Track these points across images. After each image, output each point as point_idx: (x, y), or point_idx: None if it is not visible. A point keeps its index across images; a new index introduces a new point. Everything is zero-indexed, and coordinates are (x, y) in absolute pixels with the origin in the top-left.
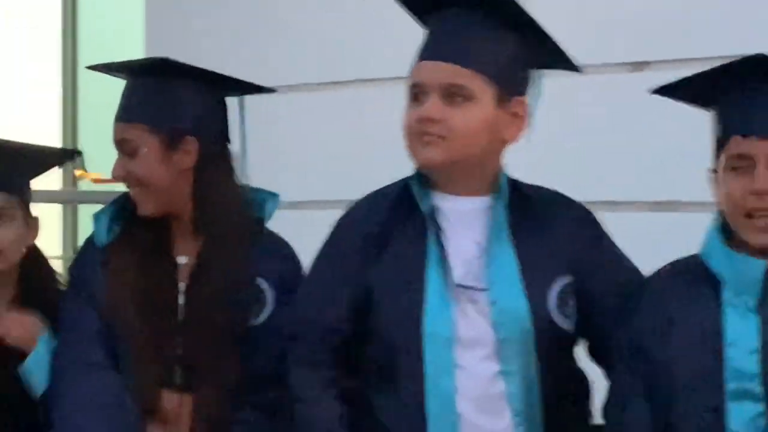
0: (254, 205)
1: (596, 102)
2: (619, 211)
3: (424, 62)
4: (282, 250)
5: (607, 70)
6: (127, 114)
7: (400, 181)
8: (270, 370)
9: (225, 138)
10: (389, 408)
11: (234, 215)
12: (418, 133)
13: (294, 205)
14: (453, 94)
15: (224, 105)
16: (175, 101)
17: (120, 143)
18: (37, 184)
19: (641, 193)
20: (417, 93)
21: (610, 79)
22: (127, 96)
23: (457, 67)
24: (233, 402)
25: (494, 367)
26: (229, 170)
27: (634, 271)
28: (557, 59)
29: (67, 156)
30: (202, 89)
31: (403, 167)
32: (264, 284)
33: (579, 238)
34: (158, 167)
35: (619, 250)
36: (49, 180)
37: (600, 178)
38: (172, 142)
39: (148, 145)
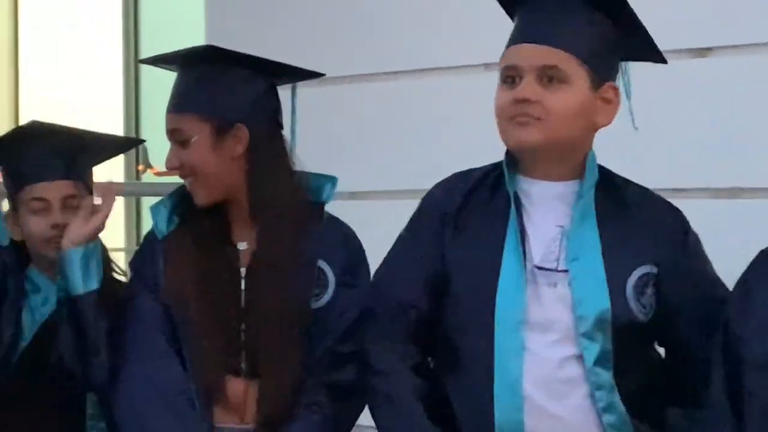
0: (312, 189)
1: (659, 88)
2: (682, 198)
3: (519, 45)
4: (343, 232)
5: (670, 56)
6: (177, 104)
7: (482, 166)
8: (333, 352)
9: (276, 124)
10: (457, 388)
11: (288, 199)
12: (513, 115)
13: (355, 196)
14: (548, 77)
15: (275, 91)
16: (224, 89)
17: (172, 133)
18: (101, 177)
19: (704, 179)
20: (511, 75)
21: (672, 65)
22: (177, 86)
23: (553, 50)
24: (297, 386)
25: (566, 351)
26: (282, 156)
27: (719, 282)
28: (646, 49)
29: (131, 144)
30: (251, 76)
31: (468, 156)
32: (325, 266)
33: (666, 235)
34: (210, 155)
35: (706, 257)
36: (112, 174)
37: (662, 164)
38: (222, 130)
39: (199, 133)
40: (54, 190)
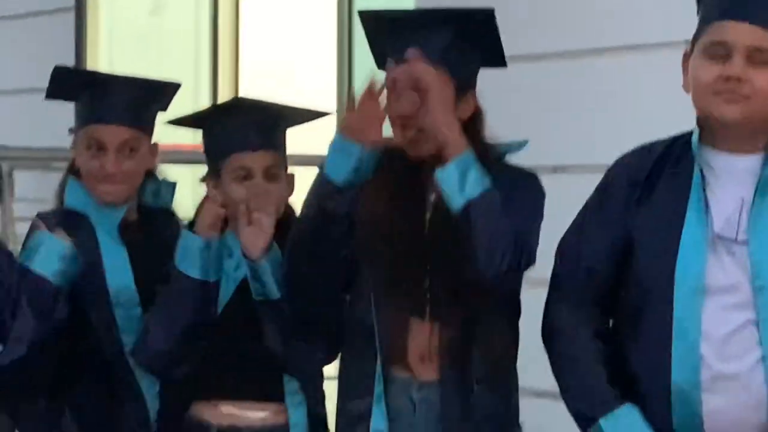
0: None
1: None
2: None
3: (729, 21)
4: (522, 180)
5: None
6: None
7: (666, 138)
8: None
9: None
10: (637, 349)
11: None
12: (719, 91)
13: (558, 169)
14: (757, 57)
15: None
16: (462, 55)
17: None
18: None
19: None
20: (719, 51)
21: None
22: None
23: (765, 32)
24: (476, 331)
25: (742, 316)
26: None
27: None
28: None
29: (320, 115)
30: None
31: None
32: None
33: None
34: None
35: None
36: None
37: None
38: (460, 91)
39: (448, 89)
40: (257, 159)
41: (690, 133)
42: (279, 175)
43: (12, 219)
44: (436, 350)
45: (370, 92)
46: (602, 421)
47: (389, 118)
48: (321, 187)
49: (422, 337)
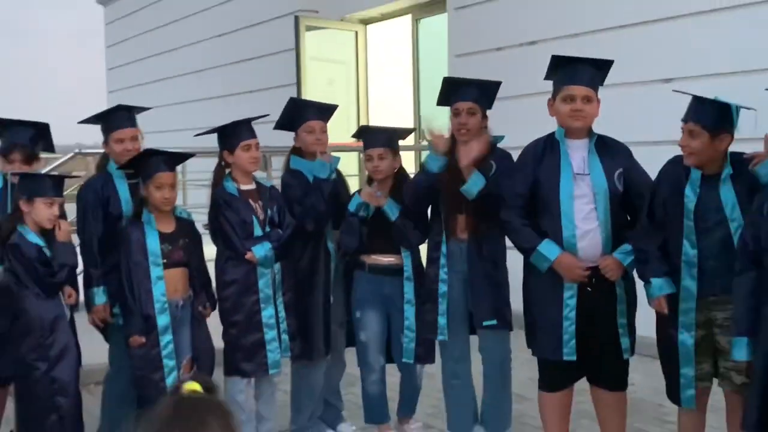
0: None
1: None
2: None
3: (573, 86)
4: (506, 158)
5: None
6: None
7: (545, 136)
8: None
9: None
10: (544, 225)
11: None
12: (571, 116)
13: None
14: (586, 99)
15: None
16: (490, 100)
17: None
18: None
19: None
20: (568, 98)
21: None
22: None
23: None
24: (483, 222)
25: (590, 206)
26: None
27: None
28: None
29: (409, 132)
30: None
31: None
32: None
33: (625, 154)
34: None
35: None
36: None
37: None
38: (484, 118)
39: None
40: (378, 152)
41: (554, 133)
42: (386, 156)
43: None
44: (467, 227)
45: (440, 134)
46: (538, 247)
47: (456, 131)
48: (424, 173)
49: (461, 222)
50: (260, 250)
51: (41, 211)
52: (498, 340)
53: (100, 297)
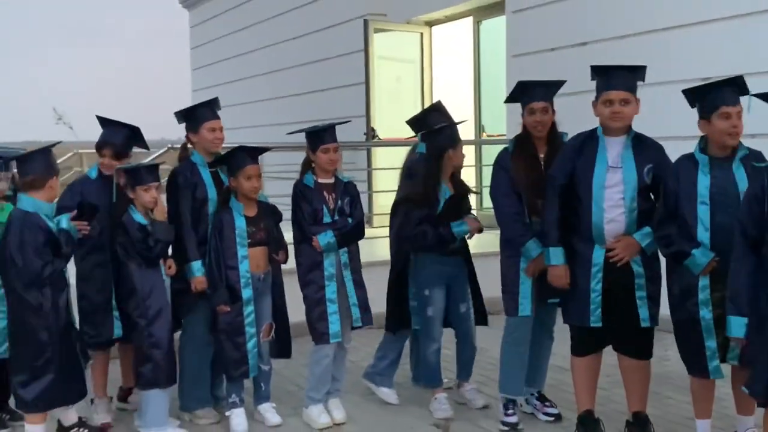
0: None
1: None
2: None
3: (612, 91)
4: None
5: None
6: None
7: (588, 131)
8: None
9: None
10: (579, 211)
11: None
12: (611, 117)
13: None
14: (624, 101)
15: None
16: (553, 93)
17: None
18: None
19: None
20: (608, 101)
21: None
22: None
23: None
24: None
25: (620, 195)
26: None
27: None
28: None
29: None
30: None
31: None
32: None
33: (658, 151)
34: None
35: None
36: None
37: None
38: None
39: None
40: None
41: (596, 129)
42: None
43: None
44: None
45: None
46: (548, 249)
47: (533, 128)
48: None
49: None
50: (323, 238)
51: (142, 196)
52: (557, 314)
53: (199, 269)
